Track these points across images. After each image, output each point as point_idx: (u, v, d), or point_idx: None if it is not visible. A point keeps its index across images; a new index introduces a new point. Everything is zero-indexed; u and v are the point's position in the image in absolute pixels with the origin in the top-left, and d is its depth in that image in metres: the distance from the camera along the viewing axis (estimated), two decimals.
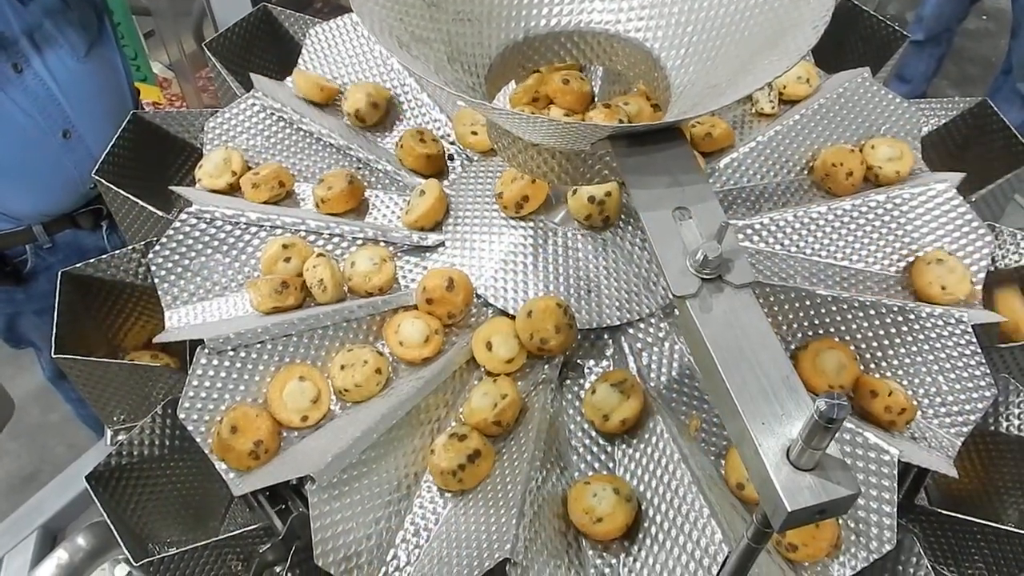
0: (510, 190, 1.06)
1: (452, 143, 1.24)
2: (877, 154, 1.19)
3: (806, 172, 1.22)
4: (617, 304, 1.03)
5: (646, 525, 0.90)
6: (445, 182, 1.20)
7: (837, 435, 0.91)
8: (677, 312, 0.77)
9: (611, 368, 1.03)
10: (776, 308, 1.06)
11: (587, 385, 1.02)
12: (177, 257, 1.10)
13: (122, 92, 1.65)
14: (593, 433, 0.99)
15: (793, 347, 1.05)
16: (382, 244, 1.11)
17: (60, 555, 1.20)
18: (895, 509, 0.90)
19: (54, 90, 1.47)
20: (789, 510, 0.59)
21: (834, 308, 1.04)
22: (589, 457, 0.98)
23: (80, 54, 1.50)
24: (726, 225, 0.71)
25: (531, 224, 1.07)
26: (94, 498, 0.95)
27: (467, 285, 1.04)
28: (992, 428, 1.09)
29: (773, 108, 1.28)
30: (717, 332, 0.69)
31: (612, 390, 0.95)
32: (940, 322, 1.03)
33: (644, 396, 0.96)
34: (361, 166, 1.21)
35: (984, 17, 4.04)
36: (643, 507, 0.91)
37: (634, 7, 0.99)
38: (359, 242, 1.12)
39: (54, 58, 1.47)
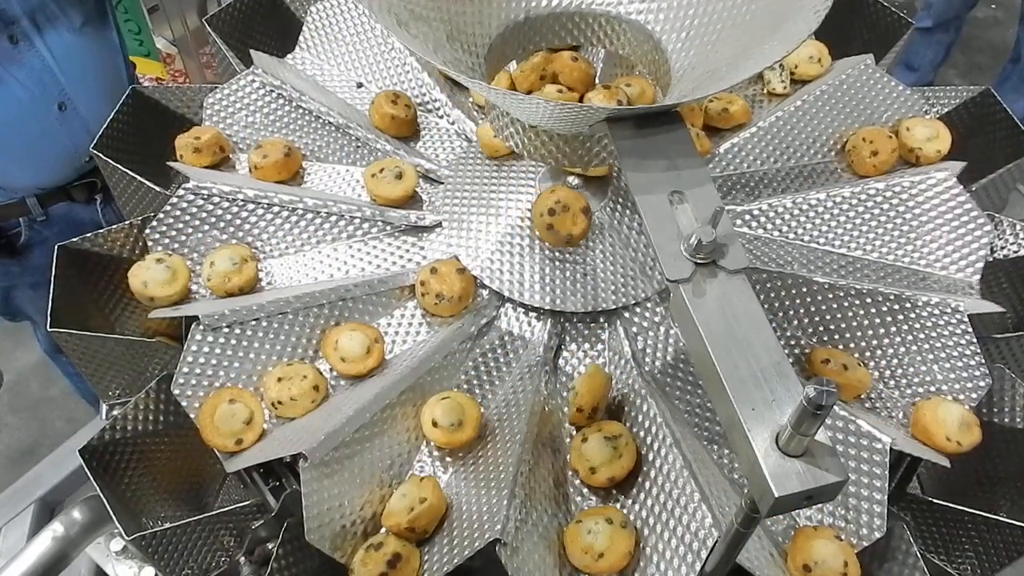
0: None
1: (447, 120, 1.24)
2: (915, 135, 1.18)
3: (833, 153, 1.22)
4: (613, 288, 1.02)
5: (637, 509, 0.90)
6: (444, 163, 1.19)
7: (830, 422, 0.93)
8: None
9: (605, 351, 1.03)
10: (773, 295, 1.06)
11: (581, 369, 1.02)
12: (174, 233, 1.10)
13: (117, 66, 1.65)
14: None
15: (789, 334, 1.05)
16: (381, 223, 1.11)
17: (56, 528, 1.20)
18: (886, 497, 0.90)
19: (50, 62, 1.47)
20: (776, 495, 0.59)
21: (831, 295, 1.04)
22: None
23: (76, 26, 1.50)
24: (721, 210, 0.71)
25: (528, 206, 1.06)
26: (87, 472, 0.95)
27: (471, 282, 1.04)
28: (986, 419, 1.09)
29: (785, 88, 1.28)
30: (709, 317, 0.69)
31: (605, 444, 0.91)
32: (936, 311, 1.03)
33: (636, 453, 0.92)
34: (360, 145, 1.21)
35: (993, 6, 4.00)
36: (635, 491, 0.91)
37: None
38: (356, 221, 1.12)
39: (51, 31, 1.46)
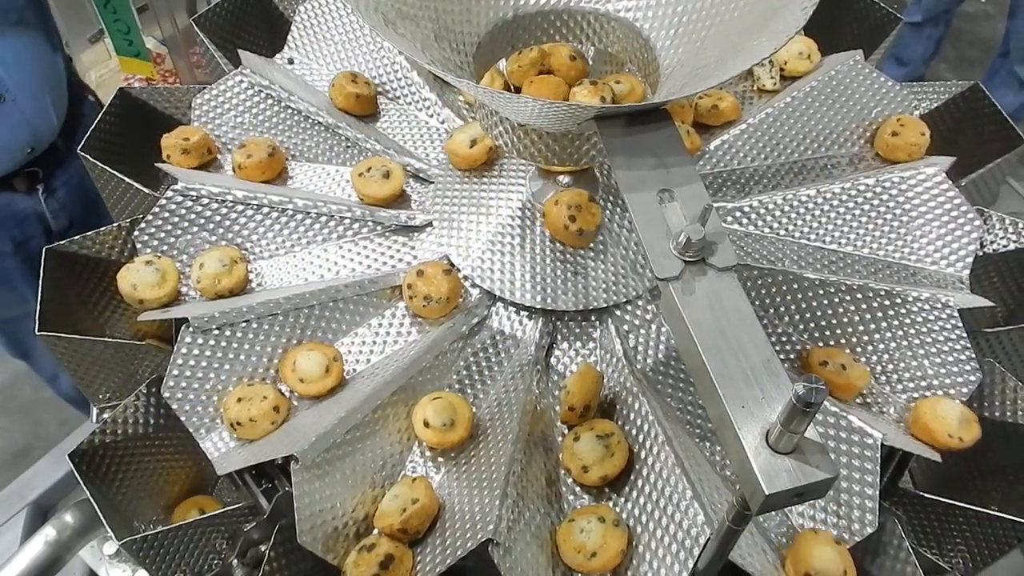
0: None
1: (437, 119, 1.24)
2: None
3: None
4: (604, 286, 1.02)
5: (630, 507, 0.90)
6: (435, 162, 1.19)
7: (821, 418, 0.93)
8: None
9: (597, 349, 1.03)
10: (764, 291, 1.06)
11: (573, 367, 1.02)
12: (163, 235, 1.10)
13: (55, 61, 1.65)
14: None
15: (781, 330, 1.05)
16: (371, 223, 1.11)
17: (48, 532, 1.20)
18: (877, 492, 0.90)
19: None
20: (767, 493, 0.59)
21: (822, 292, 1.05)
22: None
23: (12, 20, 1.50)
24: (710, 208, 0.70)
25: (519, 205, 1.06)
26: (78, 476, 0.95)
27: (459, 283, 1.03)
28: (977, 412, 1.09)
29: (775, 84, 1.28)
30: (699, 315, 0.69)
31: (597, 442, 0.91)
32: (927, 306, 1.03)
33: (628, 451, 0.92)
34: (349, 145, 1.21)
35: (983, 0, 4.01)
36: (627, 489, 0.91)
37: None
38: (347, 222, 1.12)
39: None
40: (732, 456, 0.64)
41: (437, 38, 0.91)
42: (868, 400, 1.02)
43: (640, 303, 1.03)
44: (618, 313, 1.03)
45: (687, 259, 0.71)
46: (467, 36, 0.95)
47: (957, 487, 1.14)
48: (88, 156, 1.17)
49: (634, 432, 0.93)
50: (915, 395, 1.02)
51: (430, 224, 1.10)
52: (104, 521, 0.93)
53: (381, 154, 1.18)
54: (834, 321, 1.04)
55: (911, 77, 3.29)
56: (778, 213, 1.14)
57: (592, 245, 1.03)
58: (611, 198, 1.06)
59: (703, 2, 0.92)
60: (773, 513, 0.93)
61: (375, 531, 0.90)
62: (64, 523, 1.18)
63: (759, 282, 1.06)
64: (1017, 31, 3.00)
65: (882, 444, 0.91)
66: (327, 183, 1.18)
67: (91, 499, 0.94)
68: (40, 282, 1.07)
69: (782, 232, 1.13)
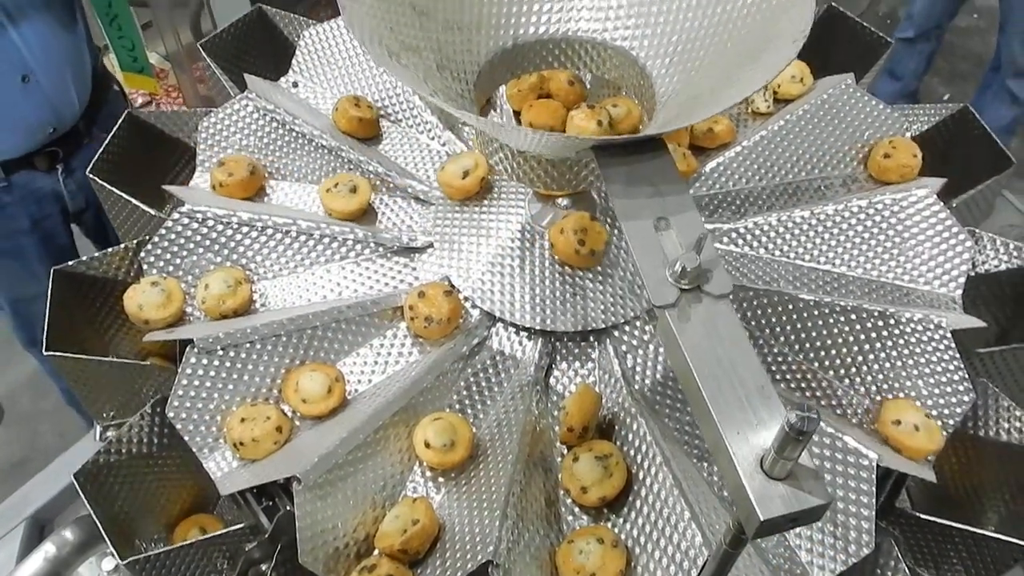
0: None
1: (438, 142, 1.25)
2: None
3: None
4: (603, 307, 1.04)
5: (628, 528, 0.91)
6: (435, 184, 1.21)
7: (816, 439, 0.94)
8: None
9: (596, 370, 1.04)
10: (759, 312, 1.07)
11: (572, 388, 1.04)
12: (169, 256, 1.12)
13: (80, 44, 1.67)
14: None
15: (776, 351, 1.07)
16: (373, 244, 1.13)
17: (48, 548, 1.21)
18: (873, 513, 0.91)
19: (12, 35, 1.50)
20: (762, 519, 0.61)
21: (816, 312, 1.06)
22: None
23: (37, 4, 1.52)
24: (705, 236, 0.72)
25: (519, 227, 1.08)
26: (82, 496, 0.96)
27: (459, 304, 1.05)
28: (971, 432, 1.11)
29: (768, 107, 1.31)
30: (695, 341, 0.70)
31: (596, 463, 0.92)
32: (920, 327, 1.04)
33: (627, 472, 0.93)
34: (352, 167, 1.22)
35: (975, 16, 4.04)
36: (626, 510, 0.93)
37: (620, 16, 1.00)
38: (349, 243, 1.13)
39: (18, 12, 1.49)
40: (728, 480, 0.65)
41: (439, 68, 0.93)
42: (864, 421, 1.04)
43: (638, 324, 1.05)
44: (616, 334, 1.05)
45: (683, 287, 0.73)
46: (468, 65, 0.97)
47: (953, 507, 1.15)
48: (96, 178, 1.18)
49: (632, 453, 0.95)
50: None
51: (431, 246, 1.12)
52: (108, 540, 0.94)
53: (384, 175, 1.20)
54: (828, 342, 1.06)
55: (904, 91, 3.31)
56: (773, 234, 1.16)
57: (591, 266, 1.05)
58: (608, 219, 1.08)
59: (697, 32, 0.94)
60: None
61: (376, 551, 0.91)
62: (64, 539, 1.19)
63: (754, 303, 1.07)
64: (1008, 45, 3.02)
65: (878, 465, 0.92)
66: (303, 200, 1.21)
67: (95, 518, 0.95)
68: (47, 303, 1.08)
69: (777, 253, 1.15)
